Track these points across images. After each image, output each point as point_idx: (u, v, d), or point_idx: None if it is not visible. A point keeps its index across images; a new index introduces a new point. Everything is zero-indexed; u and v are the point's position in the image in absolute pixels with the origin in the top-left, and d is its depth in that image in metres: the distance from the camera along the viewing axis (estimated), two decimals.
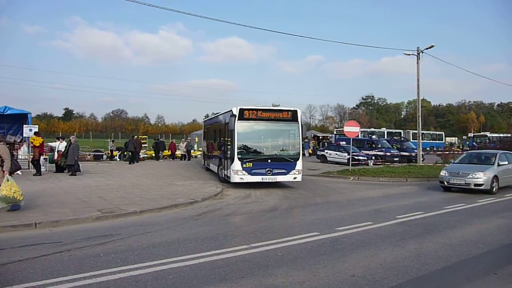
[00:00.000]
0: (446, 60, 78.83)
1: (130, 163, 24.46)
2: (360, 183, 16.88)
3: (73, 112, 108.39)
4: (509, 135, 39.72)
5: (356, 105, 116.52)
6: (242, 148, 13.57)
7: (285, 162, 13.99)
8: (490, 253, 6.55)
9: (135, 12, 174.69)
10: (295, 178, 14.10)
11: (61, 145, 18.84)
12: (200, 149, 27.85)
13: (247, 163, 13.47)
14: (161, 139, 35.21)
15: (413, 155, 27.89)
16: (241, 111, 13.46)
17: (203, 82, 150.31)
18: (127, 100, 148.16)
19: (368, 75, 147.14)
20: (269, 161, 13.73)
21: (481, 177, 13.17)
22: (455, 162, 15.96)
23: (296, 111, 14.30)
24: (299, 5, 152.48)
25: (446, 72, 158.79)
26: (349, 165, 21.71)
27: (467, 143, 47.77)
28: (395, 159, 27.77)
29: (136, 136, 30.36)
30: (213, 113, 25.24)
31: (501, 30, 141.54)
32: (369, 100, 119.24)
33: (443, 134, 57.51)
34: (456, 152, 29.91)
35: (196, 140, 34.57)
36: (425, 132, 52.49)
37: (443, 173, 14.37)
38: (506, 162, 14.46)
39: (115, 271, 5.21)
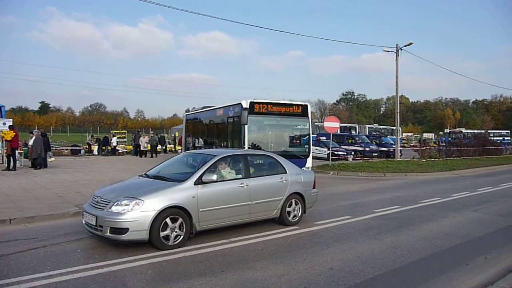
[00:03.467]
0: (424, 58, 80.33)
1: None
2: (339, 178, 17.09)
3: (50, 105, 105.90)
4: (483, 131, 40.81)
5: (337, 101, 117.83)
6: (252, 144, 12.92)
7: (296, 159, 13.12)
8: (463, 245, 6.75)
9: (113, 4, 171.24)
10: None
11: (31, 141, 18.41)
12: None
13: None
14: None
15: (391, 150, 28.39)
16: (252, 104, 12.79)
17: (184, 76, 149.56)
18: (106, 94, 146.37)
19: (349, 71, 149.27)
20: None
21: (128, 211, 5.79)
22: (151, 169, 7.90)
23: (306, 105, 13.88)
24: (281, 1, 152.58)
25: (424, 69, 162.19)
26: (329, 160, 21.94)
27: (443, 138, 48.92)
28: (374, 154, 28.22)
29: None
30: (194, 107, 24.94)
31: (477, 29, 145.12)
32: (349, 96, 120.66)
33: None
34: (433, 147, 30.58)
35: (177, 135, 34.14)
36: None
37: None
38: (224, 177, 7.04)
39: (93, 267, 5.16)
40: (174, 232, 6.05)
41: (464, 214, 9.34)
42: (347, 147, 28.06)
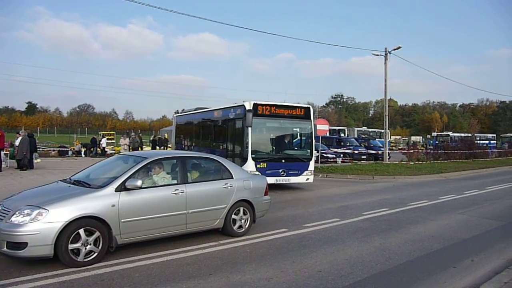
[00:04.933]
0: (412, 62, 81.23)
1: None
2: (328, 180, 17.15)
3: (37, 106, 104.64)
4: (469, 135, 41.41)
5: (326, 104, 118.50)
6: (256, 147, 12.54)
7: (299, 162, 13.29)
8: (450, 247, 6.82)
9: (103, 4, 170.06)
10: (307, 179, 13.40)
11: (17, 141, 18.14)
12: (170, 145, 27.37)
13: (261, 164, 12.42)
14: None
15: (380, 153, 28.61)
16: (255, 106, 12.48)
17: (174, 78, 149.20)
18: (94, 95, 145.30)
19: (338, 74, 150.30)
20: (283, 161, 12.89)
21: (27, 222, 4.99)
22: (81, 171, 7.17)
23: (309, 108, 13.75)
24: (271, 3, 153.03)
25: (412, 73, 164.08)
26: (318, 162, 22.00)
27: (431, 142, 49.47)
28: (363, 157, 28.40)
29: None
30: (183, 109, 24.78)
31: (464, 34, 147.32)
32: (339, 99, 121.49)
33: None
34: (420, 150, 30.90)
35: (166, 136, 33.95)
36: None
37: None
38: (155, 183, 6.32)
39: (79, 270, 5.07)
40: (87, 247, 5.19)
41: (451, 217, 9.44)
42: (336, 149, 28.19)
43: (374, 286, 4.94)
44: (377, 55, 25.59)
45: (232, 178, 7.14)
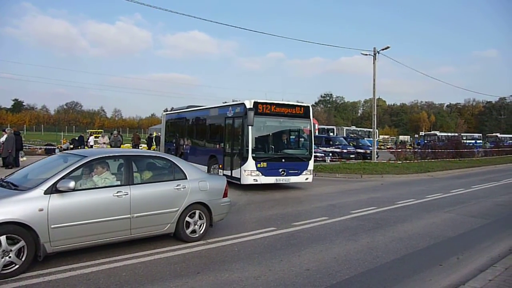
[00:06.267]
0: (401, 62, 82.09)
1: None
2: (317, 179, 17.16)
3: (23, 103, 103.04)
4: (456, 134, 41.93)
5: (315, 103, 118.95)
6: (256, 146, 12.33)
7: (298, 162, 13.16)
8: (436, 245, 6.89)
9: (90, 0, 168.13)
10: (307, 179, 13.29)
11: (2, 138, 17.83)
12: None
13: (261, 163, 12.24)
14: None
15: (368, 152, 28.81)
16: (255, 104, 12.24)
17: (163, 76, 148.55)
18: (82, 92, 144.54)
19: (327, 74, 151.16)
20: (283, 160, 12.75)
21: None
22: None
23: (308, 107, 13.62)
24: (261, 2, 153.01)
25: (401, 73, 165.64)
26: None
27: (419, 141, 49.99)
28: (351, 156, 28.56)
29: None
30: (172, 108, 24.55)
31: (452, 35, 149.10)
32: (328, 98, 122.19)
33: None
34: (408, 149, 31.18)
35: (155, 134, 33.70)
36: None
37: None
38: (95, 184, 5.79)
39: (65, 269, 5.02)
40: (6, 258, 4.62)
41: (437, 215, 9.55)
42: (325, 148, 28.29)
43: (361, 284, 4.97)
44: (366, 54, 25.73)
45: (186, 178, 6.56)
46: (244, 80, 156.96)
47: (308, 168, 13.32)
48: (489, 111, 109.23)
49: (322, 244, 6.70)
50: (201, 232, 6.62)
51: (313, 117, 13.99)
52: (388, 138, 65.72)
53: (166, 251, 5.96)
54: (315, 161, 23.50)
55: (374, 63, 25.50)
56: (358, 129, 58.51)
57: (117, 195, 5.65)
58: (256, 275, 5.09)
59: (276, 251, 6.18)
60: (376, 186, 15.18)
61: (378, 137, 53.27)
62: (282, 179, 12.76)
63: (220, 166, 13.77)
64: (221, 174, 13.51)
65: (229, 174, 12.92)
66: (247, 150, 12.09)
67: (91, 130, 37.37)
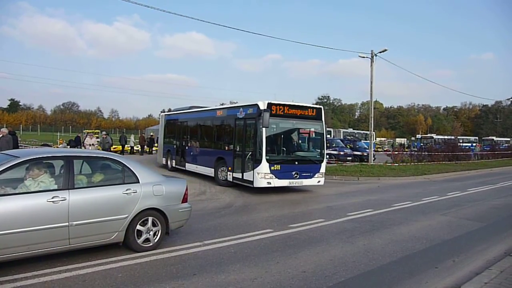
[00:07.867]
0: (398, 64, 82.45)
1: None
2: None
3: (20, 103, 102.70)
4: (452, 137, 42.07)
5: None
6: (270, 149, 12.04)
7: (311, 164, 12.92)
8: (432, 248, 6.91)
9: (88, 0, 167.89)
10: (319, 181, 13.05)
11: None
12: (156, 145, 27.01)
13: (275, 166, 11.94)
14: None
15: (365, 154, 28.86)
16: (269, 105, 11.89)
17: (161, 77, 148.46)
18: (79, 93, 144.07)
19: (325, 76, 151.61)
20: (296, 163, 12.53)
21: None
22: None
23: (320, 108, 13.48)
24: (259, 4, 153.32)
25: (398, 75, 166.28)
26: None
27: (415, 144, 50.11)
28: (348, 158, 28.60)
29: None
30: (169, 109, 24.46)
31: (449, 38, 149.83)
32: (325, 100, 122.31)
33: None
34: (404, 152, 31.26)
35: (151, 135, 33.63)
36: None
37: None
38: (28, 188, 5.16)
39: (60, 270, 5.00)
40: None
41: (433, 218, 9.57)
42: None
43: (357, 287, 4.98)
44: (364, 57, 25.76)
45: (138, 182, 5.96)
46: (241, 82, 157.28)
47: (320, 171, 13.09)
48: (485, 114, 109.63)
49: (318, 246, 6.71)
50: (156, 240, 6.07)
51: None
52: (385, 140, 65.81)
53: (162, 252, 5.95)
54: None
55: (371, 65, 25.55)
56: (355, 131, 58.57)
57: (52, 201, 5.04)
58: (252, 277, 5.09)
59: (272, 253, 6.18)
60: (373, 189, 15.20)
61: (375, 139, 53.29)
62: (295, 182, 12.54)
63: (230, 168, 13.41)
64: (230, 176, 13.32)
65: (240, 177, 12.70)
66: (261, 152, 11.78)
67: (88, 131, 37.13)
